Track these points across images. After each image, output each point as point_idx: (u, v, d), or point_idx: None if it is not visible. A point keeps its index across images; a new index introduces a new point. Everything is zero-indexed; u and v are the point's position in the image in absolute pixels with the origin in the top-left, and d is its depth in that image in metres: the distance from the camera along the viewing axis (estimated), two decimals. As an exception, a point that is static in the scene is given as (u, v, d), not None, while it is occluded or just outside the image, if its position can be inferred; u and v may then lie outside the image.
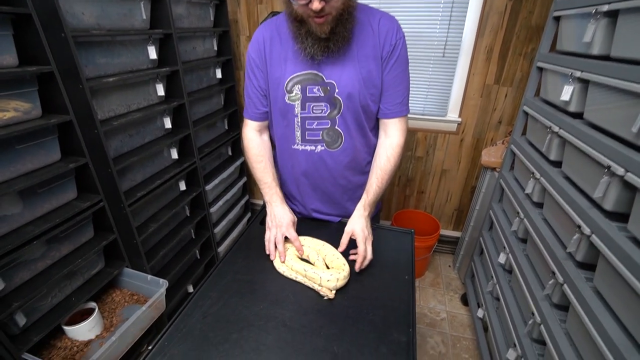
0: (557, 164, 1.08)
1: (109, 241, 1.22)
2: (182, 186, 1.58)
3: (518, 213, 1.22)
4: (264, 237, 0.92)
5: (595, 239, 0.78)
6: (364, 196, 0.92)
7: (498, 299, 1.35)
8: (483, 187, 1.71)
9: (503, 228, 1.35)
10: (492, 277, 1.39)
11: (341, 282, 0.78)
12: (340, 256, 0.84)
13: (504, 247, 1.30)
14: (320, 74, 0.84)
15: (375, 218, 1.11)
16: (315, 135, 0.91)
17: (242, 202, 2.22)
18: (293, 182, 1.02)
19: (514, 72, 1.63)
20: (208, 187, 1.74)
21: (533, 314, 1.00)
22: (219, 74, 1.83)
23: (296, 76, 0.85)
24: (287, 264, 0.84)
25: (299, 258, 0.87)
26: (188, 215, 1.70)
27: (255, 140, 0.98)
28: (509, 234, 1.30)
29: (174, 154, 1.53)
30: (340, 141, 0.91)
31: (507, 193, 1.36)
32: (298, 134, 0.91)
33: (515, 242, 1.25)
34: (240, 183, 2.13)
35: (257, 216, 1.10)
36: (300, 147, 0.93)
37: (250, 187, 2.39)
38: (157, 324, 1.31)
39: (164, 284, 1.27)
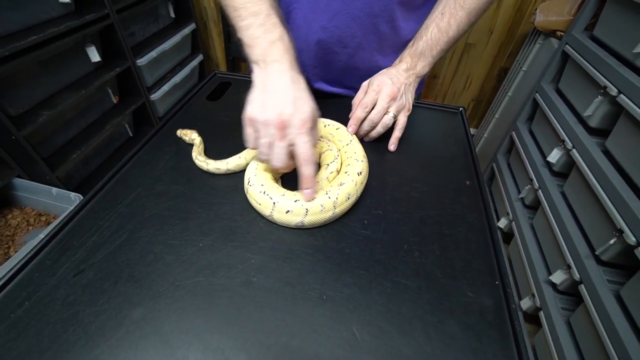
0: None
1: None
2: (94, 56, 1.03)
3: (605, 88, 0.81)
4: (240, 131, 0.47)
5: None
6: (411, 43, 0.52)
7: (534, 208, 1.05)
8: (525, 64, 1.26)
9: (562, 117, 0.96)
10: (530, 180, 1.06)
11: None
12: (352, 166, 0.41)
13: (563, 142, 0.94)
14: None
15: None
16: None
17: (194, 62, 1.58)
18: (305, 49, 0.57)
19: None
20: (140, 62, 1.19)
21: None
22: None
23: None
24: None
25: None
26: (115, 103, 1.19)
27: None
28: (573, 123, 0.92)
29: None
30: None
31: (585, 65, 0.92)
32: None
33: (587, 138, 0.88)
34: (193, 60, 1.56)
35: (205, 84, 0.64)
36: None
37: (207, 43, 1.81)
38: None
39: (76, 199, 0.85)
